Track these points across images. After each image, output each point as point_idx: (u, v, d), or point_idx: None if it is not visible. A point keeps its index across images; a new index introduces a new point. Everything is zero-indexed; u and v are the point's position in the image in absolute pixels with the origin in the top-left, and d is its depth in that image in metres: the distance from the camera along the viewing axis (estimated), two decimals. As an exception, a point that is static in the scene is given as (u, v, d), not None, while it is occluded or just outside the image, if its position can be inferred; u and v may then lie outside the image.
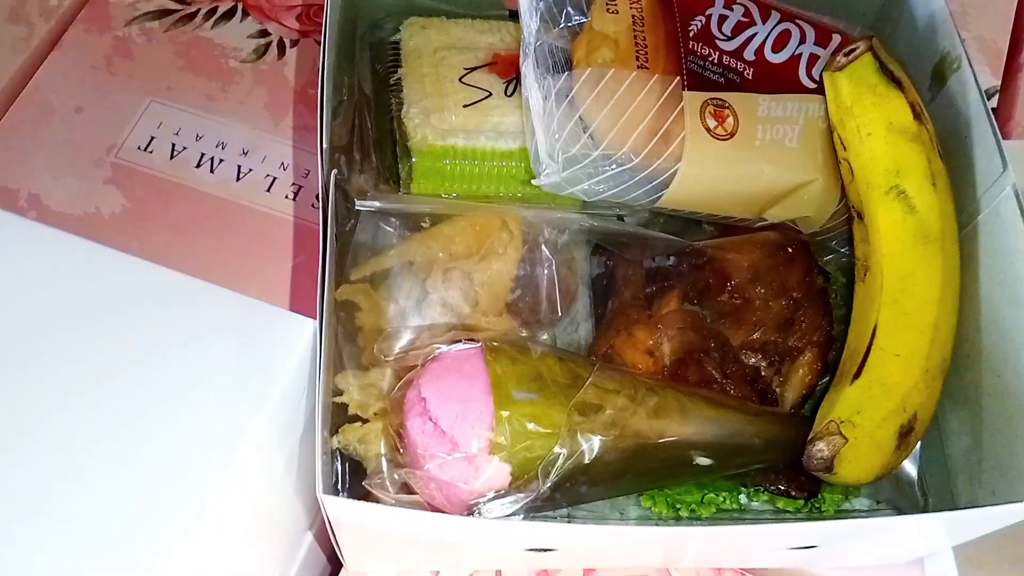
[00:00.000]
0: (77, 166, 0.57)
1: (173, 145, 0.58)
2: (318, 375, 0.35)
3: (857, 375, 0.41)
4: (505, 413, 0.35)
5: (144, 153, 0.58)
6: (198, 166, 0.58)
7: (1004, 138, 0.57)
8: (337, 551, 0.42)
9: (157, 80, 0.61)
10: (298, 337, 0.38)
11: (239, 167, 0.58)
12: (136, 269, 0.39)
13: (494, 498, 0.35)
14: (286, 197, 0.57)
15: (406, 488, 0.35)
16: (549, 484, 0.35)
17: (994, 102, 0.65)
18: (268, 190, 0.57)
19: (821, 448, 0.40)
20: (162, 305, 0.38)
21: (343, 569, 0.45)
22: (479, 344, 0.37)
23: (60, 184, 0.57)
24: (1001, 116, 0.62)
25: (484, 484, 0.35)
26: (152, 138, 0.59)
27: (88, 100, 0.60)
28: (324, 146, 0.40)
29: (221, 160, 0.58)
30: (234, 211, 0.56)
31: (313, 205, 0.57)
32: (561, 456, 0.35)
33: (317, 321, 0.37)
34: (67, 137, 0.58)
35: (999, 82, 0.65)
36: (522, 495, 0.35)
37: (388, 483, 0.35)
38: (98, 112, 0.59)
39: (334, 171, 0.41)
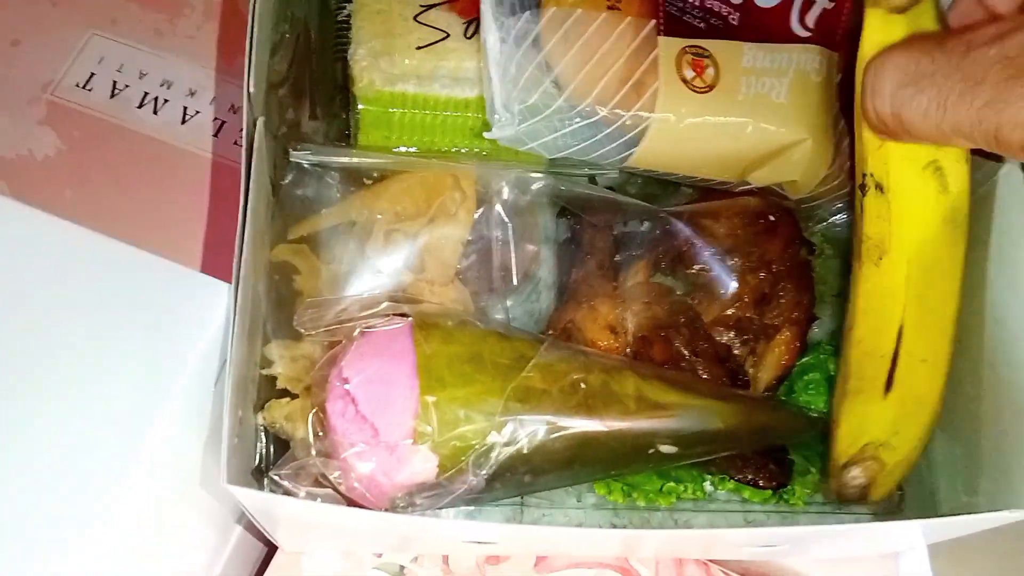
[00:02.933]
0: (10, 104, 0.53)
1: (115, 83, 0.54)
2: (230, 346, 0.31)
3: (888, 387, 0.36)
4: (431, 399, 0.31)
5: (83, 91, 0.53)
6: (140, 106, 0.53)
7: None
8: (268, 536, 0.39)
9: (101, 11, 0.56)
10: (214, 303, 0.34)
11: (185, 108, 0.53)
12: (36, 223, 0.35)
13: (420, 492, 0.32)
14: (235, 143, 0.53)
15: (325, 479, 0.32)
16: (483, 475, 0.32)
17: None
18: (216, 134, 0.53)
19: (856, 475, 0.35)
20: (71, 268, 0.35)
21: (279, 551, 0.42)
22: (409, 320, 0.33)
23: (-9, 123, 0.52)
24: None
25: (408, 476, 0.31)
26: (92, 75, 0.54)
27: (25, 33, 0.55)
28: (251, 89, 0.36)
29: (166, 100, 0.54)
30: (178, 156, 0.52)
31: (263, 153, 0.52)
32: (496, 446, 0.32)
33: (232, 285, 0.33)
34: (2, 73, 0.54)
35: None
36: (453, 488, 0.32)
37: (303, 472, 0.32)
38: (36, 46, 0.55)
39: (262, 118, 0.36)
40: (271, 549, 0.44)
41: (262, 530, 0.37)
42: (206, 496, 0.38)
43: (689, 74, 0.37)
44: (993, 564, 0.47)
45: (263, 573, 0.43)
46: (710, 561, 0.44)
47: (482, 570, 0.42)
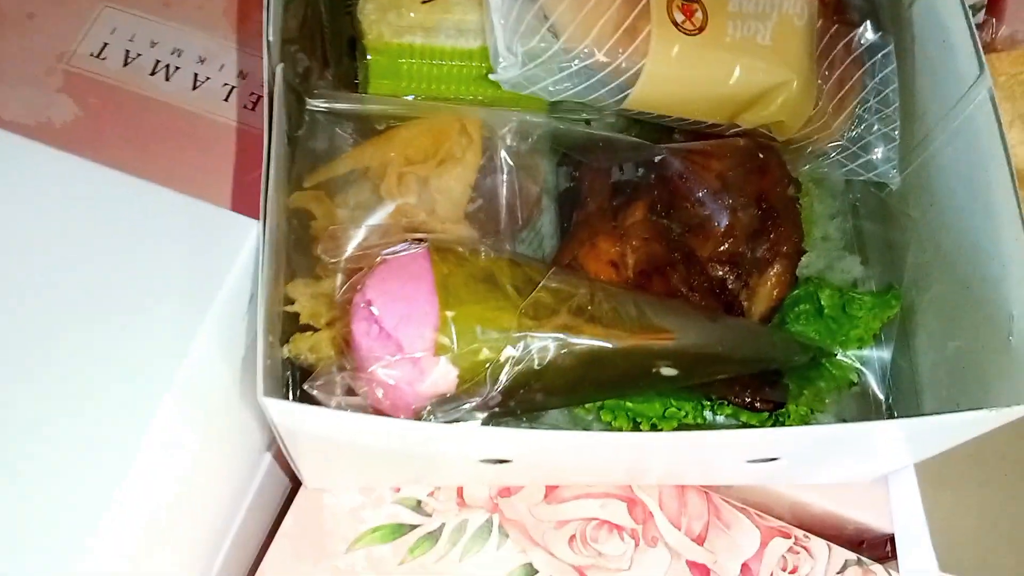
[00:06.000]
0: (29, 74, 0.55)
1: (127, 52, 0.56)
2: (260, 277, 0.34)
3: None
4: (451, 313, 0.33)
5: (97, 60, 0.56)
6: (153, 74, 0.55)
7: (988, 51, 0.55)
8: (294, 468, 0.41)
9: (111, -15, 0.58)
10: (242, 238, 0.36)
11: (196, 75, 0.56)
12: (70, 167, 0.38)
13: (441, 403, 0.34)
14: (244, 107, 0.55)
15: (352, 392, 0.34)
16: (499, 389, 0.34)
17: (980, 17, 0.62)
18: (226, 99, 0.55)
19: None
20: (99, 205, 0.37)
21: (302, 487, 0.45)
22: (425, 245, 0.36)
23: (12, 93, 0.54)
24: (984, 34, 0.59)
25: (430, 387, 0.34)
26: (105, 44, 0.56)
27: (40, 6, 0.57)
28: (270, 39, 0.38)
29: (177, 68, 0.56)
30: (190, 120, 0.54)
31: (273, 115, 0.54)
32: (511, 360, 0.34)
33: (260, 222, 0.35)
34: (19, 45, 0.56)
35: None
36: (471, 400, 0.34)
37: (333, 386, 0.34)
38: (50, 18, 0.57)
39: (280, 65, 0.38)
40: (295, 488, 0.46)
41: (288, 459, 0.39)
42: (238, 427, 0.40)
43: (679, 17, 0.40)
44: (976, 487, 0.50)
45: (287, 510, 0.45)
46: (710, 490, 0.46)
47: (495, 502, 0.45)
